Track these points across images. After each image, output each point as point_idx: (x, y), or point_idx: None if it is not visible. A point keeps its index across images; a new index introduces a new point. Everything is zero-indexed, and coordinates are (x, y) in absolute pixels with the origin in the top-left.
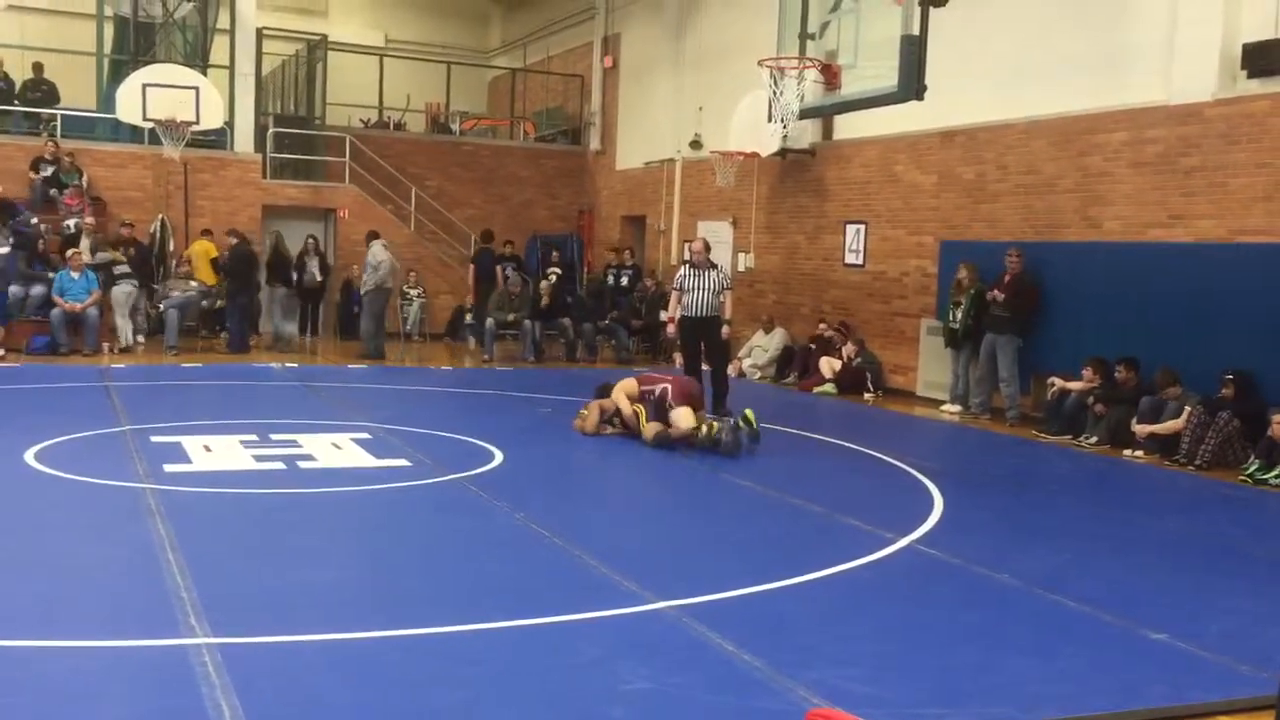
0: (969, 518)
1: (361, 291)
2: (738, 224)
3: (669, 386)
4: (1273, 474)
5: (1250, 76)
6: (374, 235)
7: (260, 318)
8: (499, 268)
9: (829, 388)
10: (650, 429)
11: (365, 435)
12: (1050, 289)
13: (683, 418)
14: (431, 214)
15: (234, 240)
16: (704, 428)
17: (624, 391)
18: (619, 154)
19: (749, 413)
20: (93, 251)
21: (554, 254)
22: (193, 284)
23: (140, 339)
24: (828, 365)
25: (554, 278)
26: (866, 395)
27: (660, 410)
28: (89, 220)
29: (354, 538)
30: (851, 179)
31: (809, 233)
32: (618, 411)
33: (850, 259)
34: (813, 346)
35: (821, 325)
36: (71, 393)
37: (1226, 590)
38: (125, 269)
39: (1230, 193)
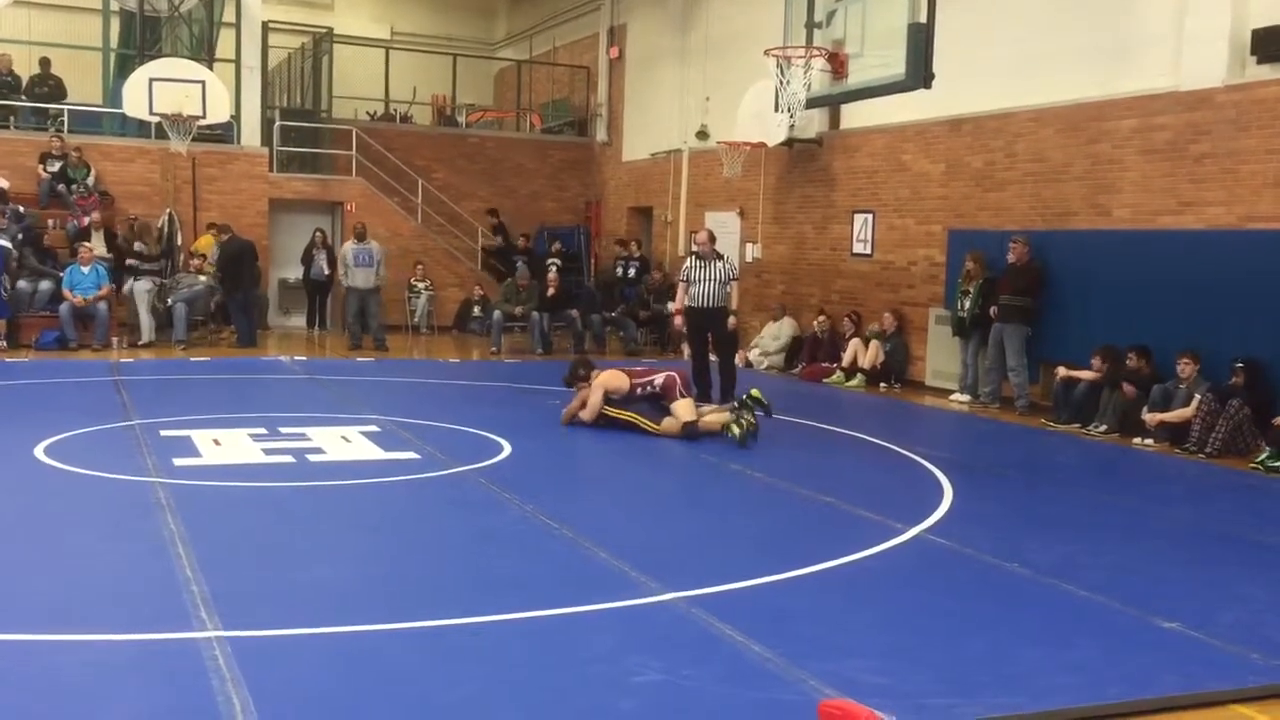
0: (979, 507)
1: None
2: (745, 214)
3: (674, 376)
4: None
5: (1260, 62)
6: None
7: (269, 311)
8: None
9: (839, 377)
10: (676, 422)
11: (374, 428)
12: (1059, 277)
13: (684, 410)
14: (438, 206)
15: (224, 236)
16: (734, 428)
17: (605, 387)
18: (625, 145)
19: (755, 392)
20: (122, 242)
21: (555, 245)
22: (201, 278)
23: None
24: (860, 351)
25: (554, 269)
26: (882, 385)
27: (657, 404)
28: (96, 216)
29: (363, 531)
30: (859, 168)
31: (816, 223)
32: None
33: (858, 248)
34: (820, 335)
35: (821, 318)
36: (81, 387)
37: (1238, 578)
38: (150, 265)
39: (1241, 179)
